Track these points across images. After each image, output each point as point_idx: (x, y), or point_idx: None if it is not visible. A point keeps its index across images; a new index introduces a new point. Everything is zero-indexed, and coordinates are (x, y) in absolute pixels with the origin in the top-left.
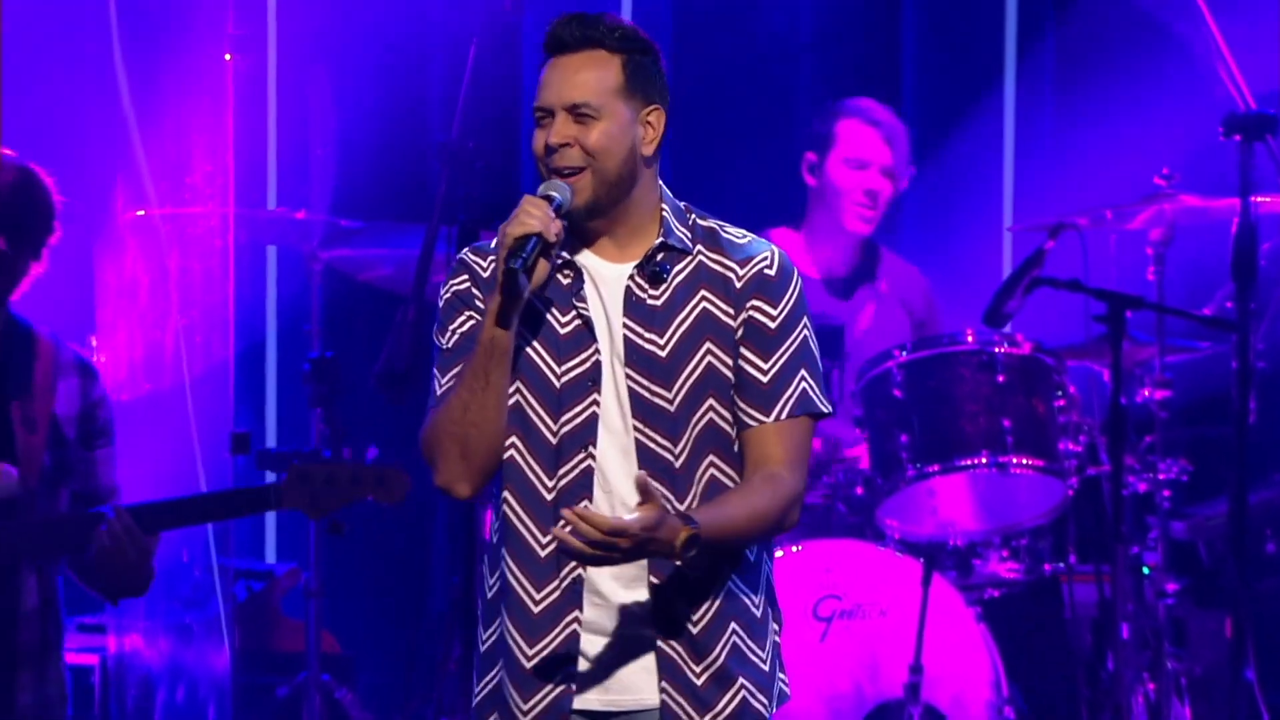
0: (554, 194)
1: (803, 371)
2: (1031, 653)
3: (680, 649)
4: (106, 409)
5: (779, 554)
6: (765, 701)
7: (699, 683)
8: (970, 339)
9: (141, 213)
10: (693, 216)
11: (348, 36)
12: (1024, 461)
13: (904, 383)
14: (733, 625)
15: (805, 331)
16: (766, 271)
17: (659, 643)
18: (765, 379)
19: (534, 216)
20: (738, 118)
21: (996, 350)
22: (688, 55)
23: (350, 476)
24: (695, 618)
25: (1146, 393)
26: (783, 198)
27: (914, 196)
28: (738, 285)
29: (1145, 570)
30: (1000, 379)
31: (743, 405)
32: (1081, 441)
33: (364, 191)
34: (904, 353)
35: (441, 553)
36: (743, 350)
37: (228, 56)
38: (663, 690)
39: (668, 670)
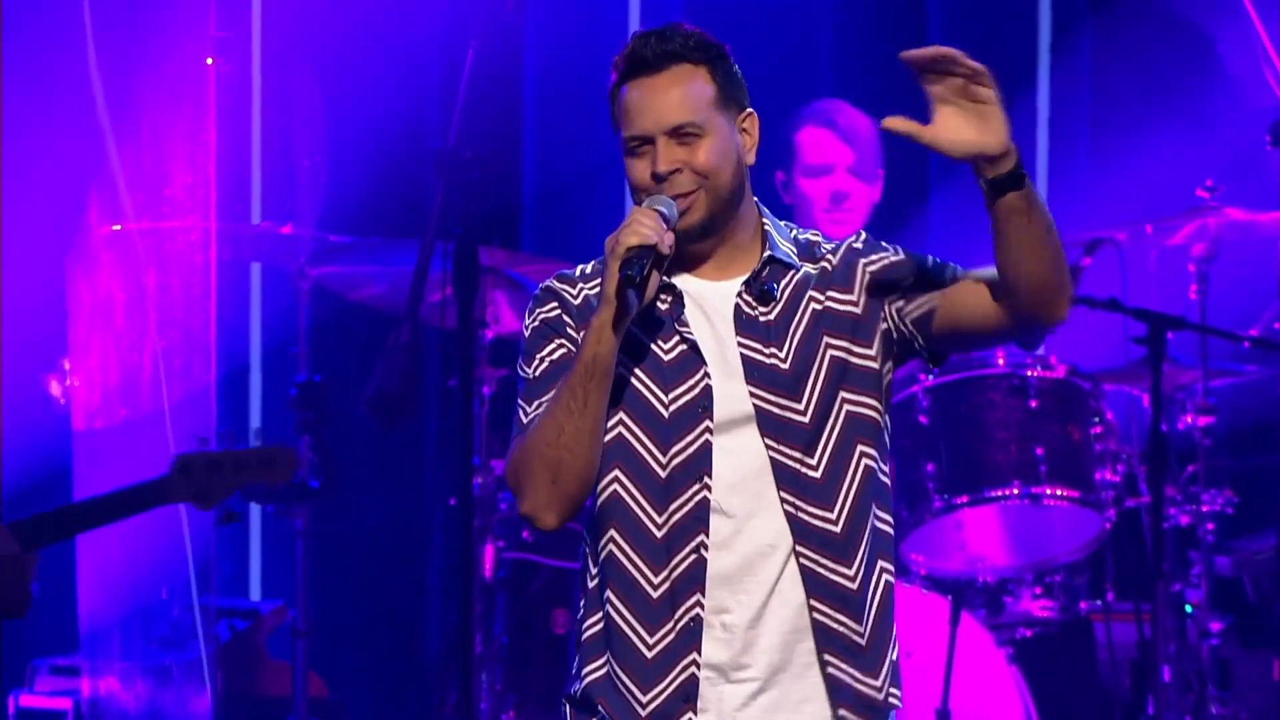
0: (661, 208)
1: (951, 263)
2: (1066, 697)
3: (850, 669)
4: None
5: None
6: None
7: (879, 695)
8: (1001, 362)
9: (117, 227)
10: (794, 231)
11: (337, 38)
12: (1058, 492)
13: (930, 408)
14: (894, 628)
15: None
16: (855, 246)
17: (828, 669)
18: (930, 267)
19: (647, 227)
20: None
21: (1029, 374)
22: None
23: (235, 462)
24: (862, 631)
25: (1189, 419)
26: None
27: (940, 210)
28: (837, 266)
29: (1188, 609)
30: (1033, 404)
31: (920, 299)
32: (1119, 471)
33: (355, 204)
34: (930, 376)
35: (436, 591)
36: (895, 293)
37: (209, 60)
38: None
39: (843, 696)
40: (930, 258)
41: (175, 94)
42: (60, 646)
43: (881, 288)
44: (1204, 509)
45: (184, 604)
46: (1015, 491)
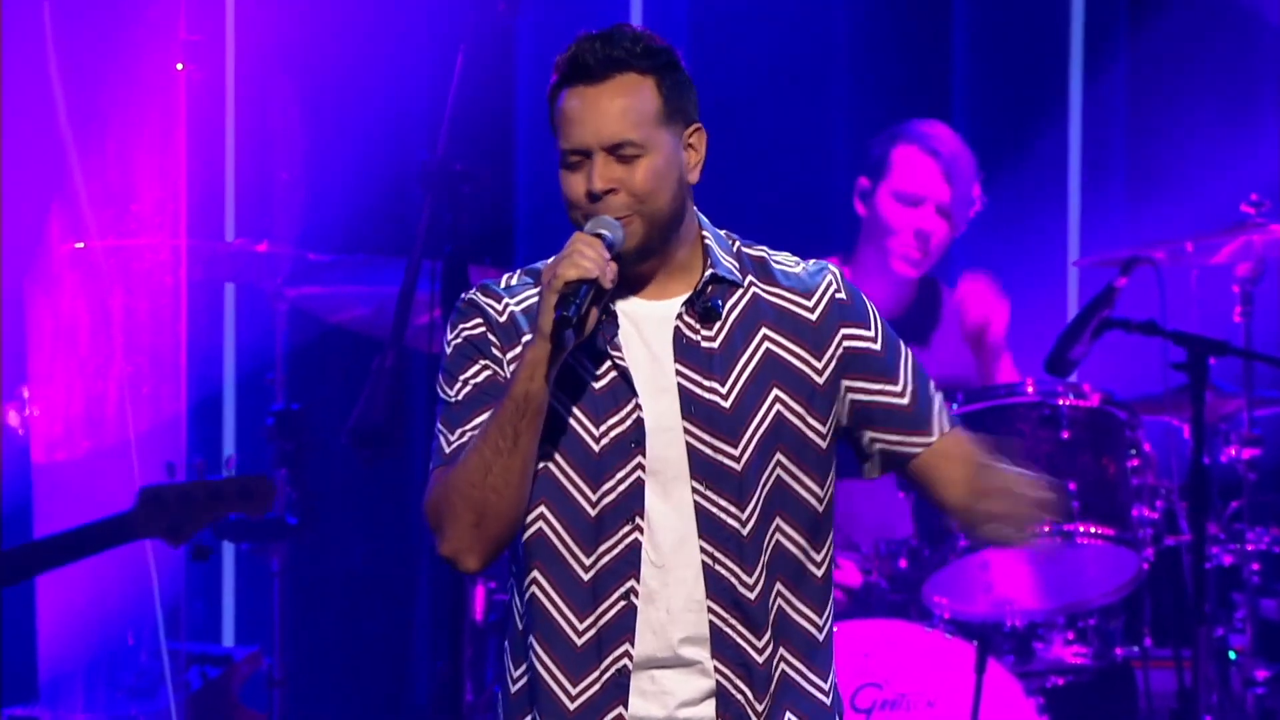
0: (605, 232)
1: (931, 383)
2: None
3: None
4: None
5: None
6: None
7: None
8: (1030, 389)
9: (81, 245)
10: (736, 244)
11: (317, 42)
12: (1092, 530)
13: None
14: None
15: (904, 345)
16: (839, 297)
17: None
18: (906, 400)
19: (588, 259)
20: (762, 136)
21: (1060, 402)
22: (706, 64)
23: (207, 493)
24: (760, 707)
25: (1233, 451)
26: (812, 228)
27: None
28: (814, 321)
29: (1231, 655)
30: (1065, 435)
31: (894, 437)
32: (1158, 507)
33: (336, 220)
34: (955, 405)
35: (423, 635)
36: (858, 383)
37: (180, 66)
38: None
39: None
40: (907, 365)
41: (143, 102)
42: (19, 695)
43: (849, 375)
44: (1249, 548)
45: (152, 650)
46: (1046, 529)
